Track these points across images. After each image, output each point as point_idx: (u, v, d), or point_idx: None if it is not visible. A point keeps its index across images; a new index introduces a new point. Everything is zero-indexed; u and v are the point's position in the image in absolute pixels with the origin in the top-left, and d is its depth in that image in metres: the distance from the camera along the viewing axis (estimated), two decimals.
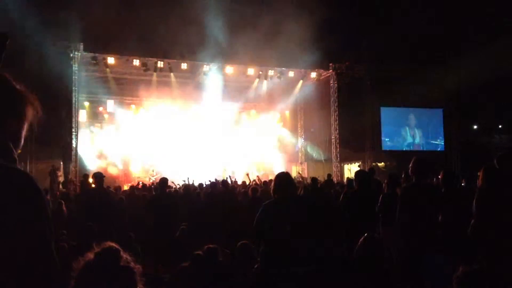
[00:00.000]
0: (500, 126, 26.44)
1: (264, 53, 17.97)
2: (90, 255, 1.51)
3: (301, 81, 22.29)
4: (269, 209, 4.04)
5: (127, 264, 1.54)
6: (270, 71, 20.42)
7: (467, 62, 18.15)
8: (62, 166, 17.83)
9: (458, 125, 24.14)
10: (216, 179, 11.80)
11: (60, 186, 16.02)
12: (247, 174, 13.72)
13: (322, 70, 21.11)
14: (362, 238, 3.51)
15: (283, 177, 4.18)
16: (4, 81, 1.32)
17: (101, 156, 21.05)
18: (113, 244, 1.57)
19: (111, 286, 1.49)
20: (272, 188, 4.22)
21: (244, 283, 4.33)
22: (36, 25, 14.19)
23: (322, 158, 22.71)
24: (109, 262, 1.51)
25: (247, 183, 12.86)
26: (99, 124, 22.00)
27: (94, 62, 17.97)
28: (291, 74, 20.79)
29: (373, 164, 21.00)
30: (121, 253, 1.55)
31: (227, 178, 13.47)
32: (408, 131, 23.67)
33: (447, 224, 4.71)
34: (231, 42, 16.89)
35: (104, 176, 7.81)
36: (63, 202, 8.78)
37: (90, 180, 8.99)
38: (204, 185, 12.04)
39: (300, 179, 16.85)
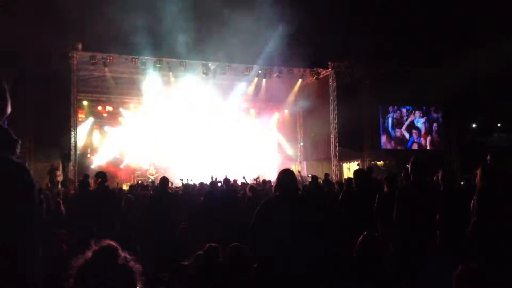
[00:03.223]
0: (499, 125, 26.46)
1: (263, 51, 17.96)
2: (89, 253, 1.51)
3: (300, 80, 22.30)
4: (269, 206, 4.00)
5: (126, 262, 1.54)
6: (269, 69, 20.41)
7: (467, 61, 18.14)
8: (61, 165, 17.81)
9: (457, 124, 24.14)
10: (212, 177, 11.77)
11: (59, 186, 16.00)
12: (243, 177, 13.74)
13: (321, 69, 21.12)
14: (361, 237, 3.50)
15: (286, 174, 4.13)
16: None
17: (101, 155, 21.04)
18: (112, 242, 1.56)
19: (110, 284, 1.49)
20: (274, 184, 4.20)
21: (244, 282, 4.32)
22: (35, 24, 14.15)
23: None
24: (107, 260, 1.50)
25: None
26: (97, 124, 21.98)
27: (93, 61, 17.94)
28: (290, 72, 20.79)
29: (372, 163, 21.02)
30: (120, 251, 1.55)
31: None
32: (407, 130, 23.67)
33: (446, 223, 4.71)
34: (231, 40, 16.87)
35: (106, 174, 7.80)
36: (61, 201, 8.76)
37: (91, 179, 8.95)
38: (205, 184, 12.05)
39: (300, 178, 16.83)
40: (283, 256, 3.71)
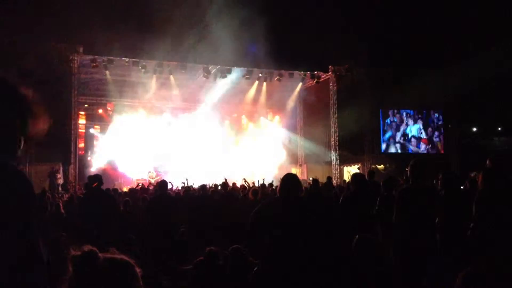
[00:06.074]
0: (499, 129, 26.46)
1: (263, 55, 17.99)
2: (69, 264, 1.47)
3: (300, 84, 22.32)
4: (269, 207, 4.01)
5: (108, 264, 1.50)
6: (269, 73, 20.43)
7: (467, 64, 18.17)
8: (61, 168, 17.81)
9: (458, 127, 24.15)
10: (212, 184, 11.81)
11: (60, 188, 16.02)
12: (244, 179, 13.75)
13: (321, 73, 21.14)
14: (355, 240, 3.52)
15: (289, 178, 4.16)
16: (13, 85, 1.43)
17: (101, 158, 21.04)
18: (90, 247, 1.52)
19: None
20: (278, 188, 4.23)
21: (244, 285, 4.32)
22: (36, 27, 14.19)
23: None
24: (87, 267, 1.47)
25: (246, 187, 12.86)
26: (98, 126, 22.01)
27: (94, 64, 17.97)
28: (291, 76, 20.81)
29: (373, 166, 21.01)
30: (98, 254, 1.51)
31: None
32: (408, 133, 23.66)
33: (446, 226, 4.72)
34: (231, 44, 16.90)
35: (101, 177, 7.82)
36: (60, 204, 8.76)
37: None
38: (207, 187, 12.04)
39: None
40: (283, 257, 3.72)
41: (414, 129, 23.67)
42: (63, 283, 1.44)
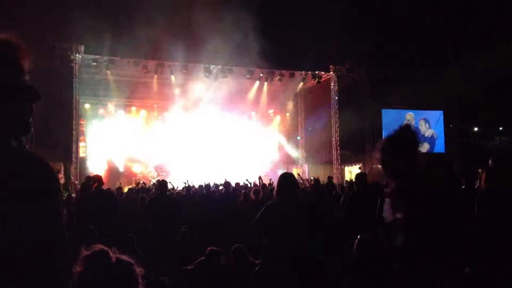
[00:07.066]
0: (500, 128, 26.43)
1: (264, 55, 18.00)
2: (81, 263, 1.48)
3: (301, 83, 22.31)
4: (272, 209, 4.01)
5: (120, 264, 1.52)
6: (270, 73, 20.42)
7: (468, 64, 18.15)
8: (62, 168, 17.81)
9: (458, 127, 24.12)
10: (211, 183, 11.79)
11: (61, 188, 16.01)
12: (260, 177, 13.64)
13: (322, 72, 21.13)
14: (356, 240, 3.53)
15: (286, 177, 4.16)
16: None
17: (102, 158, 21.04)
18: (101, 246, 1.54)
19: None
20: (275, 188, 4.22)
21: (245, 285, 4.33)
22: (37, 27, 14.19)
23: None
24: (101, 265, 1.48)
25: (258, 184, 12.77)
26: (99, 126, 21.99)
27: (95, 64, 17.98)
28: (291, 76, 20.80)
29: (373, 166, 20.98)
30: (111, 253, 1.53)
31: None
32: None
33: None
34: (232, 44, 16.91)
35: (101, 177, 7.85)
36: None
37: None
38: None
39: (300, 181, 16.80)
40: (285, 257, 3.72)
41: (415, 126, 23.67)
42: None
